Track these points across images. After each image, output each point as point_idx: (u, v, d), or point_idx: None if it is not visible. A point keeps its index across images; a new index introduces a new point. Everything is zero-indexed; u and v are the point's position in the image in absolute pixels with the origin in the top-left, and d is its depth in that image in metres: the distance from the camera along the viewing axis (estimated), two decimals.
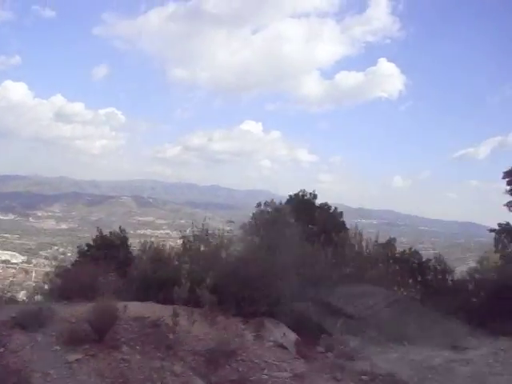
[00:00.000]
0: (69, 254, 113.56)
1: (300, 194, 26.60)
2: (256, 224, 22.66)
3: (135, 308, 12.64)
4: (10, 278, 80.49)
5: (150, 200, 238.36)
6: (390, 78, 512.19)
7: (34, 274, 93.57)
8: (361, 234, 25.22)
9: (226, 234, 18.48)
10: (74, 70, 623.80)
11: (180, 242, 19.08)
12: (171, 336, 11.38)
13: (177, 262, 16.59)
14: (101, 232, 23.40)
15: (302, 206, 25.11)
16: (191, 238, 17.88)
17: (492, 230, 28.10)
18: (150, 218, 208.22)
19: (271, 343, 12.29)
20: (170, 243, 22.46)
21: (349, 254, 20.64)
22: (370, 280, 19.39)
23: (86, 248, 22.44)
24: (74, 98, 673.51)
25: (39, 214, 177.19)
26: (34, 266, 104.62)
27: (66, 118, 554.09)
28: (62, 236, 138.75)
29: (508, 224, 26.95)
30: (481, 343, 14.88)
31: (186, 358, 10.78)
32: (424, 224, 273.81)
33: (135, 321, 12.00)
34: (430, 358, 13.11)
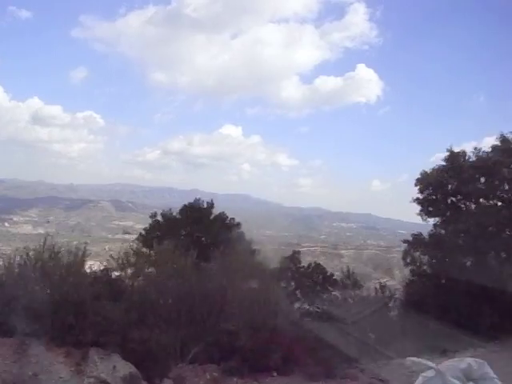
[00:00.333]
0: None
1: (196, 203, 25.92)
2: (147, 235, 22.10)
3: None
4: None
5: (130, 204, 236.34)
6: (368, 83, 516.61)
7: None
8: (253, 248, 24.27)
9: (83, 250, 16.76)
10: (52, 73, 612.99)
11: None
12: None
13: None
14: None
15: (197, 215, 24.56)
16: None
17: (405, 241, 25.58)
18: (130, 223, 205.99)
19: (92, 379, 10.53)
20: None
21: (236, 268, 18.39)
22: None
23: None
24: (51, 101, 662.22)
25: (15, 219, 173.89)
26: None
27: (43, 121, 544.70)
28: (39, 241, 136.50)
29: (421, 234, 25.41)
30: None
31: None
32: (403, 227, 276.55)
33: None
34: None
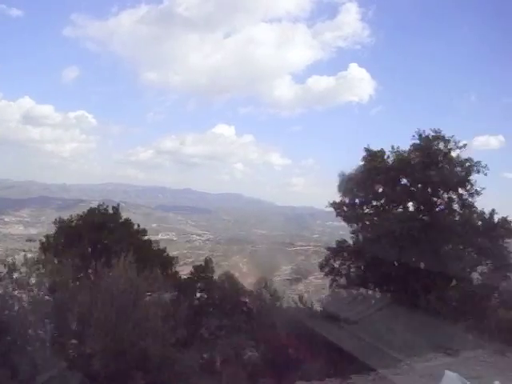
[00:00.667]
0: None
1: (100, 208, 24.33)
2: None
3: None
4: None
5: (122, 204, 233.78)
6: (360, 82, 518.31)
7: None
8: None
9: None
10: (43, 72, 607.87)
11: None
12: None
13: None
14: None
15: (101, 221, 23.02)
16: None
17: (329, 249, 24.13)
18: None
19: None
20: None
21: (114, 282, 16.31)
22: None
23: None
24: (42, 101, 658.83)
25: (6, 219, 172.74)
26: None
27: (34, 120, 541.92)
28: (31, 242, 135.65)
29: (344, 241, 24.06)
30: None
31: None
32: None
33: None
34: None
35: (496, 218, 21.17)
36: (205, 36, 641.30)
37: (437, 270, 19.15)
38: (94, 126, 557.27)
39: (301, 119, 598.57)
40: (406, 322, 17.22)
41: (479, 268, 20.86)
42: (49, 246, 19.71)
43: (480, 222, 20.50)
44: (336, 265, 22.25)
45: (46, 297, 14.22)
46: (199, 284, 20.14)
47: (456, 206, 21.37)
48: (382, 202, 21.83)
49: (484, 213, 20.94)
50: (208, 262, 21.44)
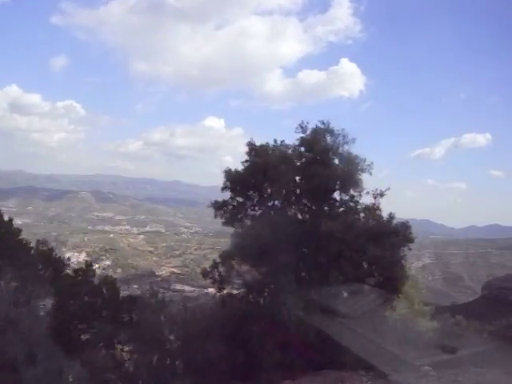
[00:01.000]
0: None
1: None
2: None
3: None
4: None
5: (111, 195, 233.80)
6: (351, 77, 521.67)
7: None
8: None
9: None
10: (31, 60, 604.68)
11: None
12: None
13: None
14: None
15: None
16: None
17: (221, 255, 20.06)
18: (110, 214, 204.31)
19: None
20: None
21: None
22: None
23: None
24: (30, 89, 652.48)
25: None
26: None
27: (22, 109, 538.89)
28: None
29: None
30: None
31: None
32: None
33: None
34: None
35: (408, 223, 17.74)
36: (196, 27, 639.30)
37: (320, 283, 16.57)
38: (83, 116, 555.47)
39: (291, 113, 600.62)
40: None
41: (372, 280, 17.15)
42: None
43: (373, 228, 16.76)
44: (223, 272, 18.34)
45: None
46: (79, 288, 15.99)
47: (342, 209, 18.27)
48: (265, 203, 18.61)
49: (382, 217, 17.58)
50: (89, 265, 17.45)
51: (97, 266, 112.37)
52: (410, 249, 17.65)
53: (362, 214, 18.18)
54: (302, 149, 18.40)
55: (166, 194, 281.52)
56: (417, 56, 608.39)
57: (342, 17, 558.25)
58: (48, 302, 16.38)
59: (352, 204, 18.20)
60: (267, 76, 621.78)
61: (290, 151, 18.56)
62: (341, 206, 18.36)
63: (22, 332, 12.53)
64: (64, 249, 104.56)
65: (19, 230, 17.85)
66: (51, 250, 17.98)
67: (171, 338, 16.59)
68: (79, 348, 14.94)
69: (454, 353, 16.38)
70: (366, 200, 17.51)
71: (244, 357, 15.30)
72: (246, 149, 18.62)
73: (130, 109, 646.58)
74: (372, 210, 17.96)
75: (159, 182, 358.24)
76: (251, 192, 18.78)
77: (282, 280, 16.43)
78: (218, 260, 18.63)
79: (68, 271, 17.36)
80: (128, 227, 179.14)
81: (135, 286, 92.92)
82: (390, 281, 16.79)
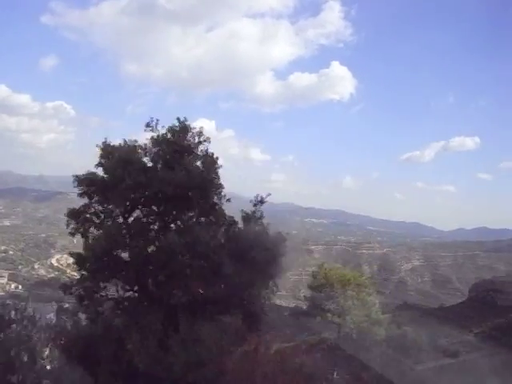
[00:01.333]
0: (11, 252, 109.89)
1: None
2: None
3: None
4: None
5: None
6: (342, 80, 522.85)
7: None
8: None
9: None
10: (20, 60, 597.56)
11: None
12: None
13: None
14: None
15: None
16: None
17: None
18: None
19: None
20: None
21: None
22: None
23: None
24: (19, 89, 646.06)
25: None
26: None
27: (11, 109, 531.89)
28: (5, 233, 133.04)
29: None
30: None
31: None
32: (373, 224, 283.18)
33: None
34: None
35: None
36: (187, 29, 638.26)
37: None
38: (73, 116, 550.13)
39: (282, 115, 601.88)
40: None
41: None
42: None
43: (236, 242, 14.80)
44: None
45: None
46: None
47: (203, 219, 15.67)
48: (108, 210, 15.61)
49: (237, 228, 15.50)
50: None
51: None
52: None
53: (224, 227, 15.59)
54: (154, 149, 15.85)
55: None
56: (407, 59, 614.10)
57: (333, 20, 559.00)
58: None
59: (213, 212, 15.66)
60: (258, 78, 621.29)
61: (139, 152, 15.85)
62: (195, 217, 15.73)
63: None
64: (53, 251, 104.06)
65: None
66: None
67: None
68: None
69: None
70: (245, 206, 14.96)
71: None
72: (99, 150, 15.90)
73: (121, 110, 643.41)
74: (249, 219, 15.71)
75: None
76: (97, 198, 15.81)
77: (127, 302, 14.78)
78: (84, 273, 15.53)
79: None
80: None
81: None
82: (249, 315, 14.17)
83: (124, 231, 15.05)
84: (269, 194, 16.52)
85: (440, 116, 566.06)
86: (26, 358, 14.36)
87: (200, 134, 15.52)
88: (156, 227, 15.68)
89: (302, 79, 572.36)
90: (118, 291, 14.90)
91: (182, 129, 15.61)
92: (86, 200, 15.41)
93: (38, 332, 16.22)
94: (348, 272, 22.96)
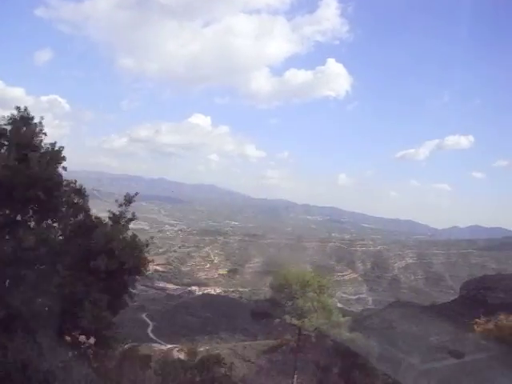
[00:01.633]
0: None
1: None
2: None
3: None
4: None
5: (95, 192, 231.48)
6: (337, 77, 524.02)
7: None
8: None
9: None
10: (14, 53, 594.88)
11: None
12: None
13: None
14: None
15: None
16: None
17: None
18: (94, 211, 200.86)
19: None
20: None
21: None
22: None
23: None
24: (13, 83, 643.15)
25: None
26: None
27: (4, 103, 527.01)
28: None
29: None
30: None
31: None
32: (367, 221, 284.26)
33: None
34: None
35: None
36: (183, 24, 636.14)
37: None
38: (68, 111, 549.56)
39: (277, 112, 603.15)
40: None
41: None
42: None
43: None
44: None
45: None
46: None
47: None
48: None
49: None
50: None
51: None
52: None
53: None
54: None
55: (151, 191, 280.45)
56: (403, 58, 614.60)
57: (330, 17, 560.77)
58: None
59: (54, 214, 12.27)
60: (254, 74, 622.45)
61: None
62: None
63: None
64: None
65: None
66: None
67: None
68: None
69: None
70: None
71: None
72: None
73: (115, 105, 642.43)
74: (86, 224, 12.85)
75: (144, 179, 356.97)
76: None
77: None
78: None
79: None
80: None
81: None
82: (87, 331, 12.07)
83: None
84: (136, 193, 12.64)
85: (435, 114, 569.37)
86: None
87: (40, 125, 13.09)
88: None
89: (297, 76, 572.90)
90: None
91: (22, 120, 13.13)
92: None
93: None
94: (308, 273, 22.24)
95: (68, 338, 11.51)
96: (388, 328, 28.33)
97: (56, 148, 12.97)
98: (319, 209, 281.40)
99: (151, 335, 61.46)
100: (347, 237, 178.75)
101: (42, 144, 12.80)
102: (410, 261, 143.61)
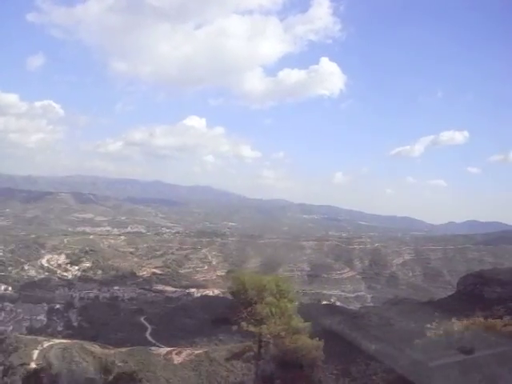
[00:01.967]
0: (0, 254, 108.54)
1: None
2: None
3: None
4: None
5: (91, 196, 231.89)
6: (331, 76, 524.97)
7: None
8: None
9: None
10: (7, 59, 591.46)
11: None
12: None
13: None
14: None
15: None
16: None
17: None
18: (90, 215, 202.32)
19: None
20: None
21: None
22: None
23: None
24: (6, 89, 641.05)
25: None
26: None
27: None
28: None
29: None
30: None
31: None
32: (364, 219, 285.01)
33: None
34: None
35: None
36: (176, 26, 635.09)
37: None
38: (62, 116, 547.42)
39: (272, 112, 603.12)
40: None
41: None
42: None
43: None
44: None
45: None
46: None
47: None
48: None
49: None
50: None
51: (76, 267, 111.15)
52: None
53: None
54: None
55: (147, 193, 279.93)
56: (396, 55, 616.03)
57: (322, 16, 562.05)
58: None
59: None
60: (247, 75, 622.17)
61: None
62: None
63: None
64: (43, 251, 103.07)
65: None
66: None
67: None
68: None
69: None
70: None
71: None
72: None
73: (110, 108, 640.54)
74: None
75: (140, 182, 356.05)
76: None
77: None
78: None
79: None
80: (109, 228, 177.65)
81: (116, 288, 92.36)
82: None
83: None
84: None
85: (429, 111, 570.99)
86: None
87: None
88: None
89: (291, 75, 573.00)
90: None
91: None
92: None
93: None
94: (265, 278, 21.24)
95: None
96: (386, 325, 28.28)
97: None
98: (316, 207, 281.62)
99: (150, 338, 61.31)
100: (344, 235, 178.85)
101: None
102: (408, 257, 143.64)
